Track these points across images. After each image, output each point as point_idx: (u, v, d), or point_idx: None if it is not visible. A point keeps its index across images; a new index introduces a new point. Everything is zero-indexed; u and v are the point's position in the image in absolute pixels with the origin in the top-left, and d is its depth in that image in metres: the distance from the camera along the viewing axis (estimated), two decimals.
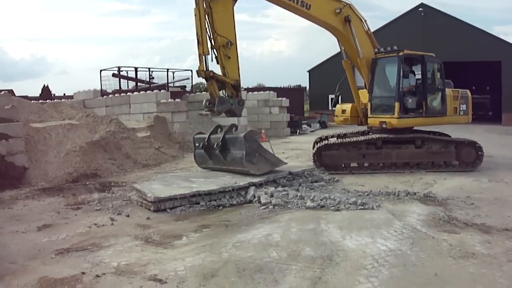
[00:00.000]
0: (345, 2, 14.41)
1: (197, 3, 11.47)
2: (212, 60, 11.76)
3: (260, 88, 38.37)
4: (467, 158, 14.05)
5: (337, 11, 14.19)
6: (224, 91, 12.14)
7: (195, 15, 11.48)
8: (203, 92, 23.55)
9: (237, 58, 12.12)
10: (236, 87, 12.09)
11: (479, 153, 14.10)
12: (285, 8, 13.76)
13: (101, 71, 25.93)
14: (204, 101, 12.35)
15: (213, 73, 11.74)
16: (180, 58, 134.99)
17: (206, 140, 12.37)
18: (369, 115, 14.70)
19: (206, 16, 11.57)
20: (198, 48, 11.55)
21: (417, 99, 14.18)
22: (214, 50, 11.76)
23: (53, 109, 18.32)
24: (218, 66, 12.00)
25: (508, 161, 15.94)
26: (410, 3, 48.81)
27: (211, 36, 11.69)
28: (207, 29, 11.61)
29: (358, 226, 8.00)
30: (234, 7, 12.27)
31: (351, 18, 14.29)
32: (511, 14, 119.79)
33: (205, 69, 11.58)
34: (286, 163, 12.20)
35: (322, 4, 14.08)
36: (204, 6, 11.50)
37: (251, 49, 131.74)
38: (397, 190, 10.73)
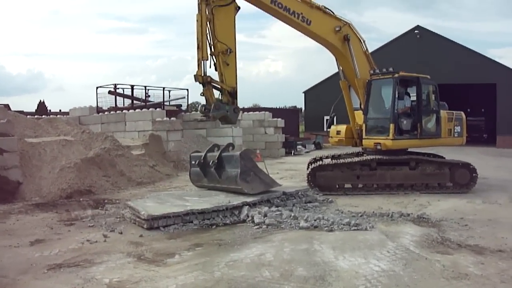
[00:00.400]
0: (345, 21, 14.54)
1: (199, 9, 11.61)
2: (210, 67, 11.84)
3: (255, 109, 38.55)
4: (461, 180, 14.08)
5: (337, 29, 14.31)
6: (220, 96, 12.19)
7: (197, 21, 11.60)
8: (199, 111, 23.59)
9: (235, 66, 12.22)
10: (233, 94, 12.15)
11: (473, 175, 14.15)
12: (285, 22, 13.88)
13: (97, 88, 26.09)
14: (199, 106, 12.38)
15: (211, 78, 11.82)
16: (177, 77, 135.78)
17: (202, 157, 12.42)
18: (364, 136, 14.73)
19: (208, 22, 11.69)
20: (197, 53, 11.64)
21: (412, 121, 14.24)
22: (213, 56, 11.85)
23: (49, 125, 18.34)
24: (216, 73, 12.08)
25: (502, 183, 16.01)
26: (404, 26, 49.34)
27: (211, 43, 11.79)
28: (208, 35, 11.71)
29: (351, 246, 8.00)
30: (236, 16, 12.41)
31: (350, 37, 14.41)
32: (506, 37, 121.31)
33: (202, 74, 11.65)
34: (280, 185, 12.19)
35: (322, 21, 14.19)
36: (207, 12, 11.63)
37: (248, 69, 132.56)
38: (390, 211, 10.75)
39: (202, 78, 11.69)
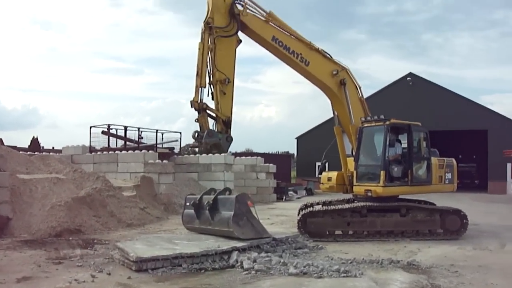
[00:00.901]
0: (343, 66, 14.86)
1: (202, 38, 11.93)
2: (208, 95, 12.04)
3: (247, 153, 38.71)
4: (451, 226, 14.13)
5: (334, 72, 14.62)
6: (214, 125, 12.36)
7: (198, 49, 11.90)
8: (191, 155, 23.81)
9: (232, 96, 12.49)
10: (227, 123, 12.37)
11: (464, 221, 14.21)
12: (285, 62, 14.20)
13: (91, 127, 26.26)
14: (193, 132, 12.50)
15: (206, 105, 12.05)
16: (170, 120, 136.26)
17: (198, 199, 12.49)
18: (354, 183, 14.79)
19: (209, 51, 11.97)
20: (196, 79, 11.89)
21: (403, 168, 14.35)
22: (212, 85, 12.07)
23: (41, 162, 18.37)
24: (213, 102, 12.28)
25: (493, 229, 16.14)
26: (398, 73, 50.28)
27: (211, 72, 12.02)
28: (208, 64, 11.96)
29: None
30: (237, 49, 12.72)
31: (346, 82, 14.75)
32: (497, 83, 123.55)
33: (199, 101, 11.85)
34: (270, 236, 12.00)
35: (320, 63, 14.53)
36: (209, 42, 11.91)
37: (241, 114, 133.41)
38: (380, 258, 10.75)
39: (198, 105, 11.94)
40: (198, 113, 12.12)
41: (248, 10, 13.11)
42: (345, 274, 9.22)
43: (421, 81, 43.23)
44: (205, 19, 12.13)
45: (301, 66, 14.21)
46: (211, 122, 12.26)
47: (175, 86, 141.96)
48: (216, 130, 12.27)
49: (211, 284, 8.54)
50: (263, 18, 13.56)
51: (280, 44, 13.78)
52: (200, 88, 11.83)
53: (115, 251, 10.64)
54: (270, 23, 13.71)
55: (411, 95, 41.18)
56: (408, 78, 43.33)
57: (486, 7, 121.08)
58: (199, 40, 12.03)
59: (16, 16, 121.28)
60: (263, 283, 8.67)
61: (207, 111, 12.06)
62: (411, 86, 42.39)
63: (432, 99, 40.65)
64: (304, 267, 9.60)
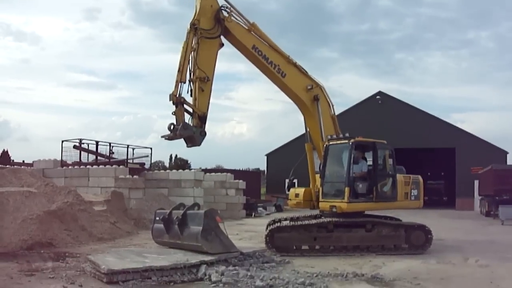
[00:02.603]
0: (317, 83, 15.37)
1: (187, 38, 12.56)
2: (187, 92, 12.49)
3: (218, 170, 38.89)
4: (416, 241, 14.53)
5: (309, 87, 15.13)
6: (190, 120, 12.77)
7: (182, 48, 12.49)
8: (161, 171, 24.07)
9: (210, 94, 12.94)
10: (202, 119, 12.73)
11: (429, 236, 14.63)
12: (262, 71, 14.76)
13: (62, 141, 26.28)
14: (168, 124, 12.81)
15: (184, 99, 12.44)
16: (142, 135, 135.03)
17: (167, 213, 12.75)
18: (320, 199, 15.06)
19: (192, 51, 12.56)
20: (177, 75, 12.41)
21: (368, 185, 14.67)
22: (191, 82, 12.55)
23: (13, 175, 18.41)
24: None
25: (457, 244, 16.67)
26: (370, 91, 51.05)
27: (192, 69, 12.53)
28: (190, 62, 12.50)
29: None
30: (219, 52, 13.37)
31: (320, 98, 15.19)
32: (468, 102, 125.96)
33: (177, 95, 12.28)
34: (238, 251, 12.20)
35: (296, 76, 15.08)
36: (193, 42, 12.54)
37: (213, 131, 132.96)
38: (345, 271, 11.05)
39: (176, 98, 12.35)
40: (176, 106, 12.54)
41: (232, 18, 13.79)
42: (310, 287, 9.56)
43: (391, 99, 43.94)
44: (192, 20, 12.79)
45: (278, 77, 14.71)
46: (187, 117, 12.71)
47: (147, 102, 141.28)
48: (192, 124, 12.68)
49: None
50: (246, 27, 14.18)
51: (260, 53, 14.31)
52: (180, 84, 12.34)
53: (87, 264, 10.87)
54: (252, 32, 14.30)
55: (381, 113, 41.77)
56: (377, 97, 43.97)
57: (458, 27, 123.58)
58: (184, 40, 12.67)
59: None
60: None
61: (184, 105, 12.50)
62: (381, 104, 43.02)
63: (401, 117, 41.37)
64: (271, 279, 9.91)
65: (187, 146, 13.32)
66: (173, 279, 10.02)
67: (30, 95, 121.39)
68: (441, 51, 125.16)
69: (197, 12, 12.98)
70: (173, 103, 12.58)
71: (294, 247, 14.29)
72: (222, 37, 13.67)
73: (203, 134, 13.02)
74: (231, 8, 13.83)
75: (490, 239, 18.74)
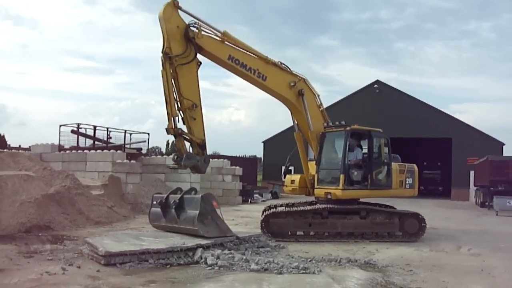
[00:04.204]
0: (300, 77, 15.24)
1: (164, 67, 12.21)
2: (179, 121, 12.43)
3: (214, 156, 38.96)
4: (410, 229, 14.75)
5: (292, 84, 14.98)
6: (190, 148, 12.76)
7: (162, 77, 12.19)
8: (158, 156, 24.10)
9: (202, 119, 12.82)
10: (202, 146, 12.72)
11: (422, 224, 14.86)
12: (243, 78, 14.48)
13: (60, 126, 26.28)
14: (172, 155, 12.89)
15: (181, 130, 12.40)
16: (139, 121, 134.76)
17: (165, 197, 12.91)
18: (316, 185, 15.27)
19: (173, 80, 12.32)
20: (166, 107, 12.25)
21: (363, 172, 14.85)
22: (181, 111, 12.45)
23: (11, 159, 18.50)
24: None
25: (451, 233, 16.88)
26: (369, 80, 50.91)
27: (177, 99, 12.39)
28: (174, 92, 12.33)
29: None
30: (198, 71, 13.06)
31: (305, 92, 15.09)
32: (467, 93, 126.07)
33: (173, 127, 12.25)
34: (234, 235, 12.38)
35: (277, 76, 14.86)
36: (171, 70, 12.24)
37: (210, 117, 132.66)
38: (339, 257, 11.22)
39: (173, 131, 12.30)
40: (175, 138, 12.54)
41: (203, 32, 13.17)
42: (304, 271, 9.71)
43: (388, 88, 43.96)
44: (163, 49, 12.30)
45: (259, 82, 14.51)
46: (187, 144, 12.70)
47: (146, 87, 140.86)
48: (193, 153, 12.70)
49: (176, 278, 8.98)
50: (219, 38, 13.72)
51: (237, 62, 14.00)
52: (172, 117, 12.21)
53: (84, 246, 11.04)
54: (226, 42, 13.89)
55: (378, 102, 41.84)
56: (375, 86, 43.96)
57: (459, 17, 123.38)
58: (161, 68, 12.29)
59: None
60: (226, 278, 9.11)
61: (183, 135, 12.45)
62: (378, 93, 43.06)
63: (398, 106, 41.42)
64: (265, 263, 10.08)
65: (192, 173, 13.37)
66: (170, 262, 10.18)
67: (28, 80, 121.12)
68: (442, 41, 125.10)
69: (165, 39, 12.44)
70: (172, 135, 12.61)
71: (289, 233, 14.48)
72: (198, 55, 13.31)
73: (207, 161, 13.05)
74: (199, 22, 13.20)
75: (483, 229, 18.96)
